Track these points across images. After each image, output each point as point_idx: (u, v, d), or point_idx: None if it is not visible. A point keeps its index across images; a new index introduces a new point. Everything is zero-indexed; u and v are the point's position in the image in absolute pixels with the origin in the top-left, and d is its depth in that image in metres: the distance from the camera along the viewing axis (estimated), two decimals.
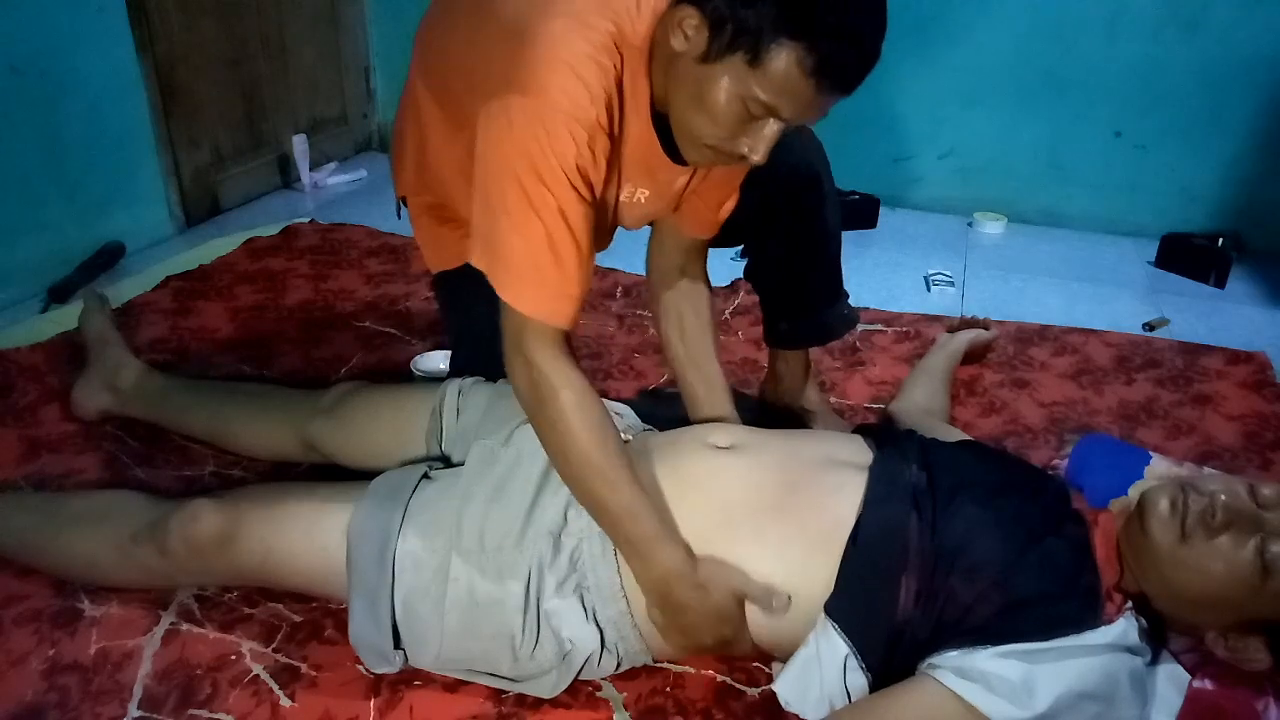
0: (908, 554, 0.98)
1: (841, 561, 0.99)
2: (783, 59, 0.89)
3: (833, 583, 0.99)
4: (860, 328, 2.02)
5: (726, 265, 2.36)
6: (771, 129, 0.96)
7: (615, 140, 1.03)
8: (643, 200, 1.16)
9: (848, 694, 0.99)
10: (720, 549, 1.02)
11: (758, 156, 0.98)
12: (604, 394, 1.21)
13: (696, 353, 1.30)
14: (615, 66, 0.98)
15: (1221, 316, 2.30)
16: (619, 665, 1.08)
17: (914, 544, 0.98)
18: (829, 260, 1.48)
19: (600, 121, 0.97)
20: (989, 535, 0.98)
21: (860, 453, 1.11)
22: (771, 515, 1.04)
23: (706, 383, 1.30)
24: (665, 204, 1.20)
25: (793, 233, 1.40)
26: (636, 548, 1.01)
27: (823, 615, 0.99)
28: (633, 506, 1.00)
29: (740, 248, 1.77)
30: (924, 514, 1.00)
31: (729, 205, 1.24)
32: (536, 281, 0.98)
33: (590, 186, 0.99)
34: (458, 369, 1.43)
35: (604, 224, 1.16)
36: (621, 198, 1.14)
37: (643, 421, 1.28)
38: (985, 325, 1.95)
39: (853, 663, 0.98)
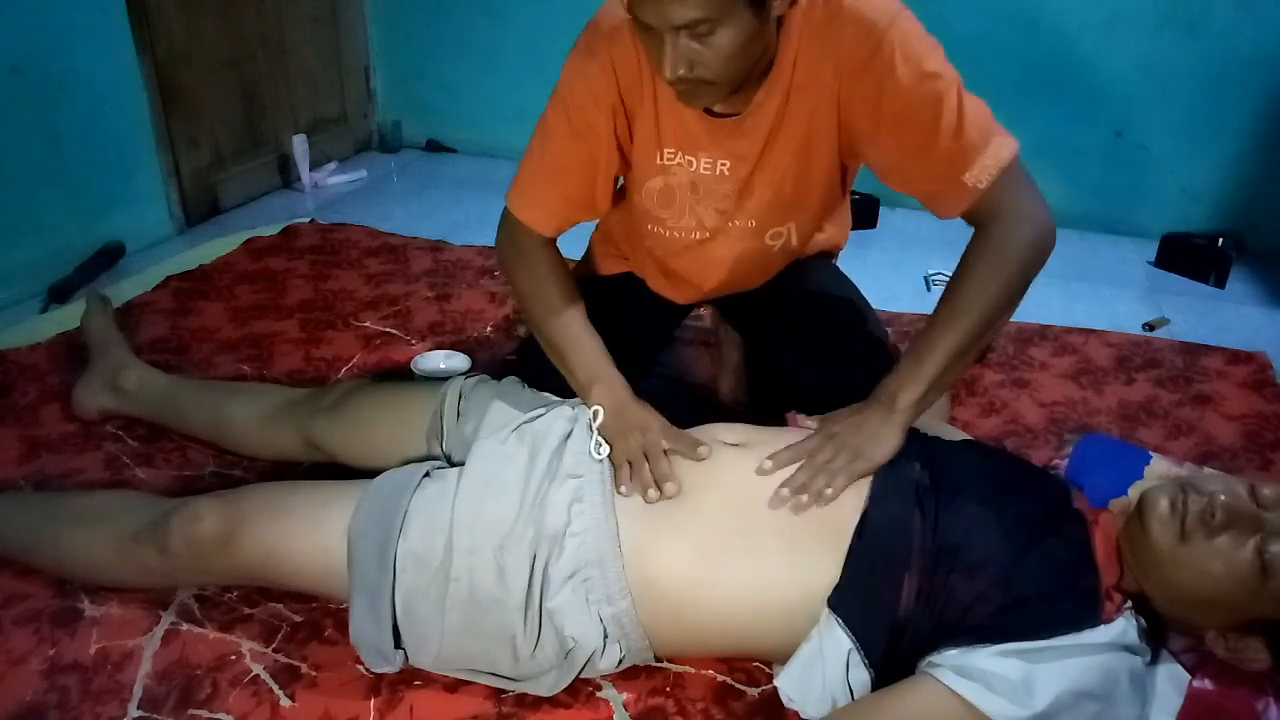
0: (911, 551, 0.98)
1: (847, 556, 0.99)
2: None
3: (836, 579, 0.99)
4: None
5: None
6: (663, 40, 1.00)
7: (647, 99, 1.17)
8: (725, 173, 1.22)
9: (850, 690, 0.99)
10: (727, 542, 1.03)
11: (666, 72, 1.02)
12: None
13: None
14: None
15: (1221, 316, 2.30)
16: (621, 661, 1.08)
17: (917, 542, 0.99)
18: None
19: (603, 72, 1.15)
20: (990, 534, 0.98)
21: None
22: (777, 512, 1.04)
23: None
24: (744, 174, 1.22)
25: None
26: (581, 370, 1.20)
27: (826, 610, 0.99)
28: (577, 337, 1.23)
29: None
30: (927, 512, 1.01)
31: (949, 165, 1.18)
32: (520, 181, 1.27)
33: (590, 126, 1.18)
34: (525, 352, 1.53)
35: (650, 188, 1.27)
36: (685, 163, 1.21)
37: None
38: None
39: (855, 658, 0.97)
